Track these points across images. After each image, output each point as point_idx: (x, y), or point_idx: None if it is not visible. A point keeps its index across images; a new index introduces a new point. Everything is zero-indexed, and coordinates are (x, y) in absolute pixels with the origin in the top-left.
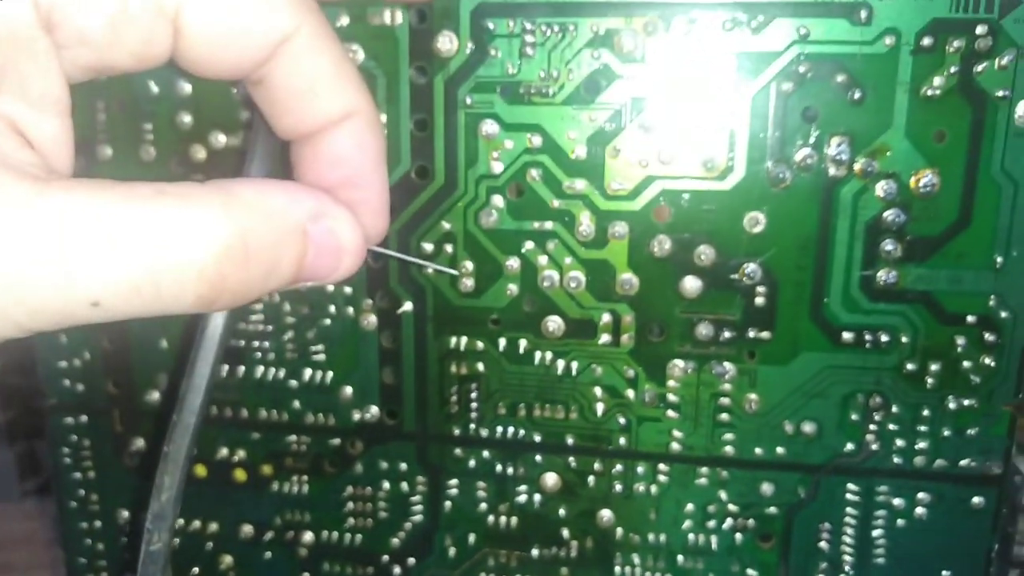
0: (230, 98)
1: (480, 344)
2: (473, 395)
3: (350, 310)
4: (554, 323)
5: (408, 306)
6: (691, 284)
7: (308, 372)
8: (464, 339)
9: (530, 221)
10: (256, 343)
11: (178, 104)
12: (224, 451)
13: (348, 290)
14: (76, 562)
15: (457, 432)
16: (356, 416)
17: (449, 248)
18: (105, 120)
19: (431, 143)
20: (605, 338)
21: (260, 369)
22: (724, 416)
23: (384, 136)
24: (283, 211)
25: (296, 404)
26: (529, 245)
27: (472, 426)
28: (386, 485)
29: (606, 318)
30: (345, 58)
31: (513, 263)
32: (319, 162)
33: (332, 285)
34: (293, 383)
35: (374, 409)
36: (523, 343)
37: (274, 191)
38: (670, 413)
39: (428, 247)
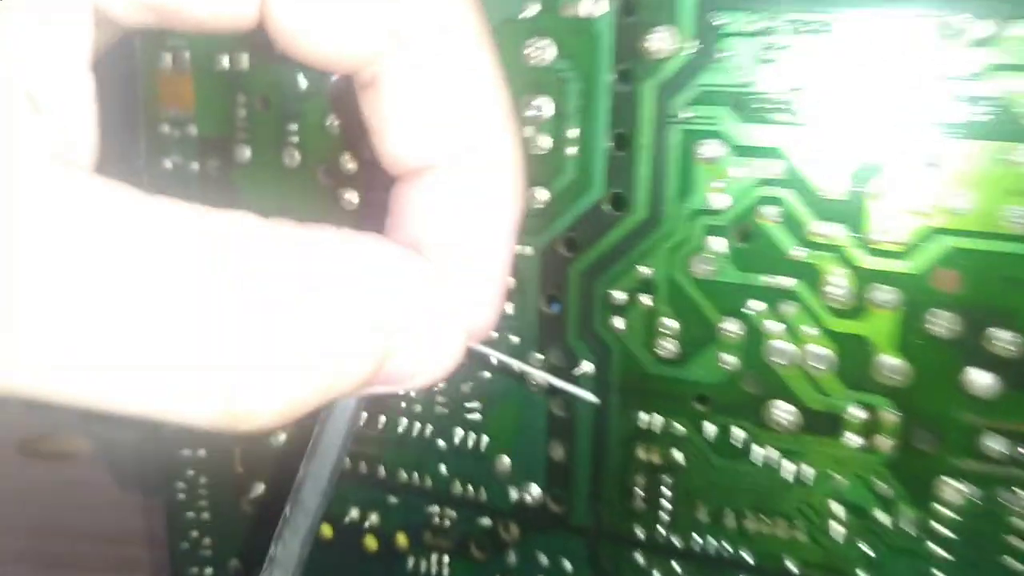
0: None
1: (680, 427)
2: (666, 491)
3: (513, 363)
4: (784, 412)
5: (588, 367)
6: (982, 379)
7: (459, 433)
8: (659, 418)
9: (760, 274)
10: (404, 393)
11: (330, 104)
12: (355, 513)
13: (514, 339)
14: None
15: (641, 535)
16: (514, 494)
17: (646, 300)
18: (246, 116)
19: (632, 165)
20: (855, 440)
21: (403, 422)
22: (1011, 561)
23: (519, 204)
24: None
25: (443, 469)
26: (756, 305)
27: (661, 530)
28: None
29: (858, 414)
30: (491, 84)
31: (732, 327)
32: (421, 213)
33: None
34: (441, 444)
35: (536, 489)
36: (739, 433)
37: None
38: (935, 548)
39: (619, 296)
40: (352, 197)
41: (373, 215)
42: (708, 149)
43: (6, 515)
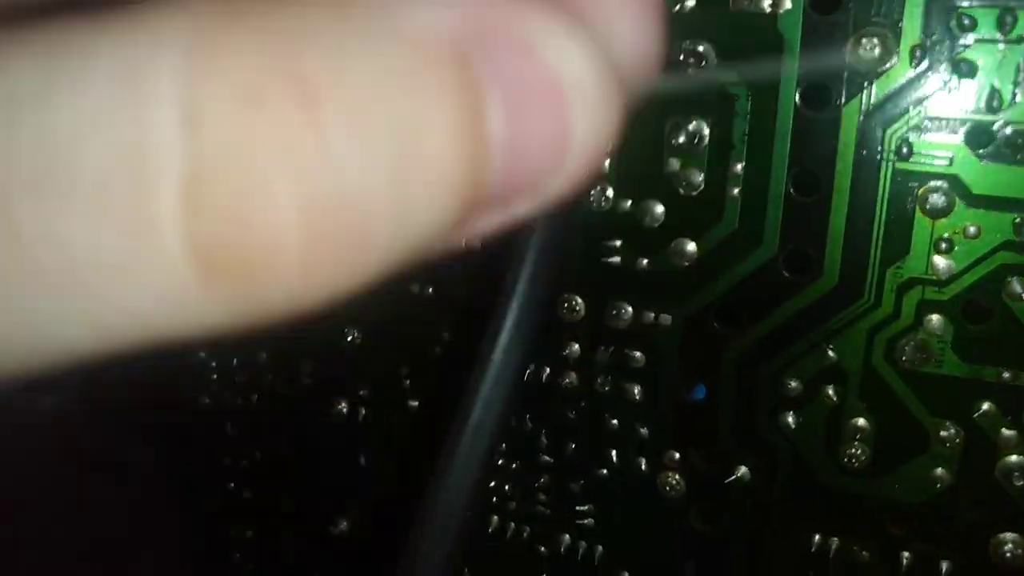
0: None
1: (865, 555)
2: None
3: (642, 462)
4: (1012, 546)
5: (744, 474)
6: None
7: (566, 540)
8: (836, 541)
9: (998, 367)
10: (499, 484)
11: None
12: None
13: (643, 431)
14: None
15: None
16: None
17: (832, 393)
18: None
19: (822, 215)
20: None
21: (494, 521)
22: None
23: None
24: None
25: None
26: (988, 407)
27: None
28: None
29: None
30: None
31: (950, 433)
32: None
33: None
34: (542, 550)
35: None
36: (944, 566)
37: None
38: None
39: (794, 385)
40: None
41: None
42: (934, 197)
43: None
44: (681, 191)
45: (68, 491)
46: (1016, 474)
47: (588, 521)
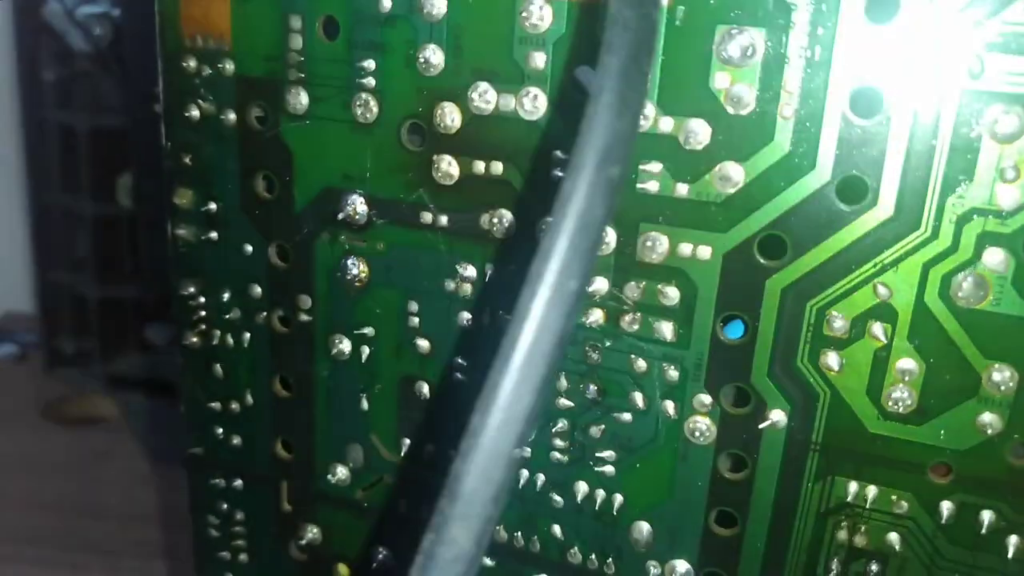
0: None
1: (904, 503)
2: None
3: (669, 405)
4: None
5: (780, 418)
6: None
7: (583, 488)
8: (874, 489)
9: None
10: None
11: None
12: None
13: (672, 373)
14: None
15: None
16: (654, 570)
17: (880, 332)
18: (302, 48)
19: (879, 139)
20: None
21: None
22: None
23: None
24: None
25: (556, 531)
26: None
27: None
28: None
29: None
30: None
31: (1003, 377)
32: None
33: (644, 360)
34: (557, 499)
35: (683, 566)
36: (987, 516)
37: None
38: None
39: (840, 324)
40: (451, 167)
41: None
42: (1006, 120)
43: (29, 489)
44: (728, 111)
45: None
46: None
47: (608, 469)
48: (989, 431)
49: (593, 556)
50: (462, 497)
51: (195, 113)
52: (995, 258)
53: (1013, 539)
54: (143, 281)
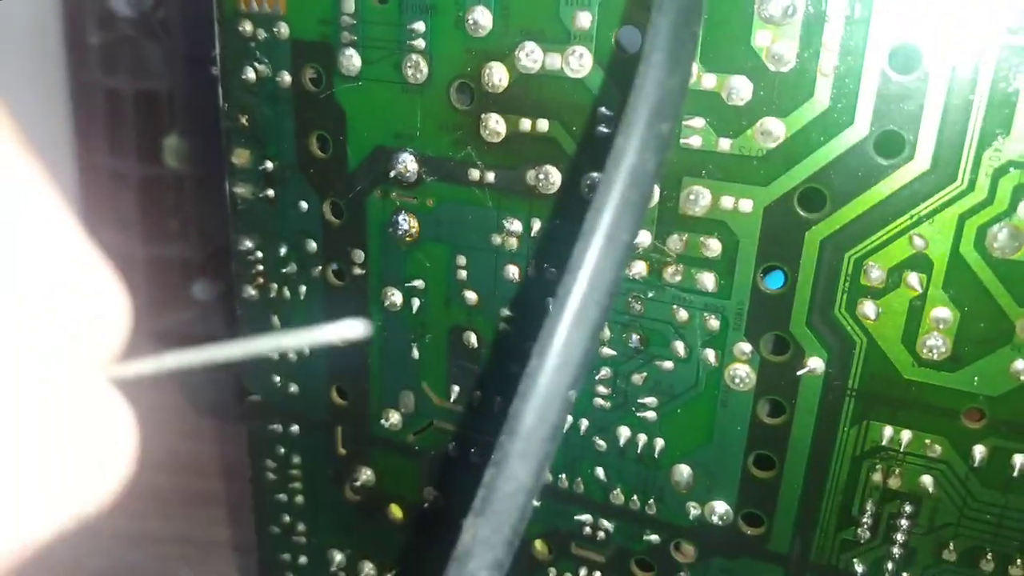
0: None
1: (937, 447)
2: (903, 523)
3: (710, 354)
4: None
5: (817, 365)
6: None
7: (625, 433)
8: (908, 434)
9: None
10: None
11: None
12: None
13: (713, 322)
14: None
15: (860, 571)
16: (693, 510)
17: (915, 282)
18: (355, 11)
19: (919, 95)
20: None
21: None
22: None
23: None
24: None
25: (599, 473)
26: None
27: (891, 567)
28: None
29: None
30: None
31: None
32: None
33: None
34: (600, 443)
35: (722, 507)
36: (1019, 460)
37: None
38: None
39: (876, 274)
40: (499, 125)
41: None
42: None
43: None
44: (769, 68)
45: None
46: None
47: (649, 415)
48: (1023, 377)
49: (635, 497)
50: (521, 435)
51: (251, 75)
52: None
53: None
54: (188, 240)
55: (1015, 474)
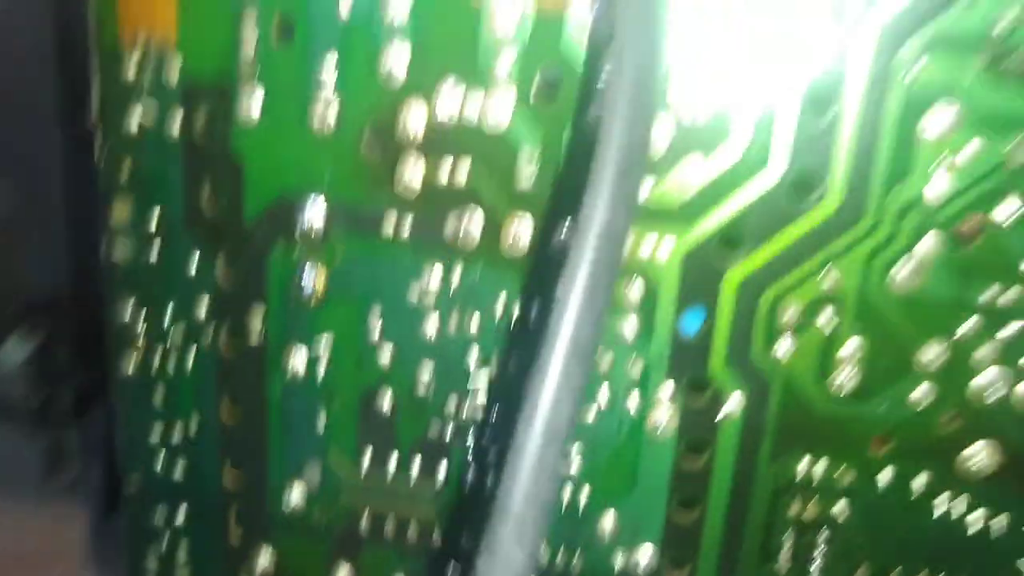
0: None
1: (849, 475)
2: (819, 551)
3: (632, 399)
4: (981, 458)
5: (736, 406)
6: None
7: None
8: (823, 464)
9: (986, 284)
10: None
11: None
12: None
13: (633, 369)
14: None
15: None
16: (619, 559)
17: (825, 320)
18: (257, 50)
19: (832, 134)
20: None
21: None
22: None
23: None
24: None
25: None
26: (971, 324)
27: None
28: None
29: None
30: None
31: (933, 353)
32: None
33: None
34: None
35: (648, 550)
36: (920, 481)
37: None
38: None
39: (789, 314)
40: (414, 174)
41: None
42: (937, 116)
43: None
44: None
45: None
46: (988, 390)
47: (572, 462)
48: (924, 403)
49: (563, 551)
50: (513, 515)
51: (132, 128)
52: (928, 245)
53: (941, 501)
54: None
55: (916, 495)
